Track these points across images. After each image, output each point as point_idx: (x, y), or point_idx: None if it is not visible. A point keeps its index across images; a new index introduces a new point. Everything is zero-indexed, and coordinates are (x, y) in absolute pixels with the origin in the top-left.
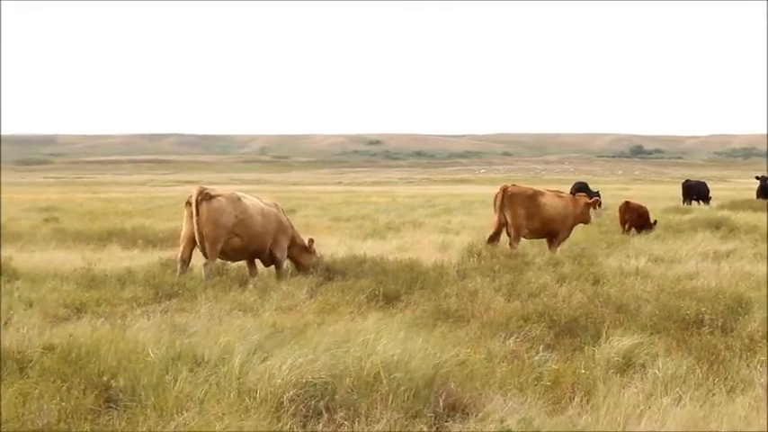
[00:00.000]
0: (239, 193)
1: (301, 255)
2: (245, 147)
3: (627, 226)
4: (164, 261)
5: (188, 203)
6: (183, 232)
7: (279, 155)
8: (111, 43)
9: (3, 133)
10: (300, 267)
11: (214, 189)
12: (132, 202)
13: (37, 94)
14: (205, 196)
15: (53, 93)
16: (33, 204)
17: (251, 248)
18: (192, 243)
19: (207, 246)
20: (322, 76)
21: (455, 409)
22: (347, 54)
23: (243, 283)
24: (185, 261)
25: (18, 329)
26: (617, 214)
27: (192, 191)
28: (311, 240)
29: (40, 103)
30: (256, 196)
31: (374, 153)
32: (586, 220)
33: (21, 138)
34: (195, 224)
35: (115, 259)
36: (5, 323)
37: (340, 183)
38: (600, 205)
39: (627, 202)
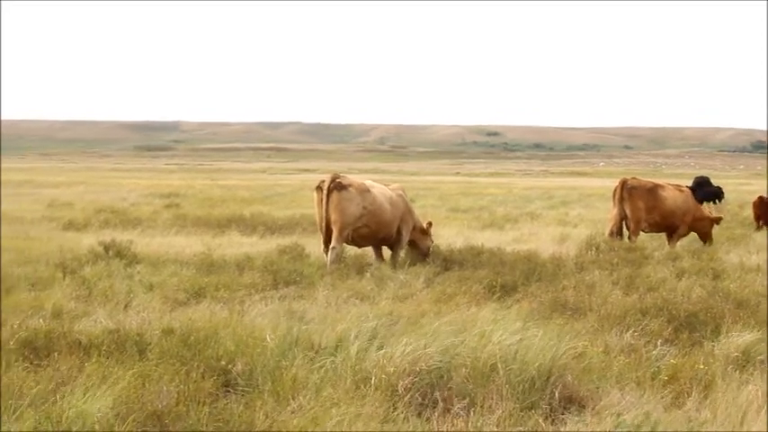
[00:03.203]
0: (368, 183)
1: (420, 238)
2: (363, 136)
3: (760, 222)
4: (282, 248)
5: (319, 188)
6: (318, 219)
7: (397, 144)
8: (236, 33)
9: (127, 120)
10: (417, 250)
11: (346, 177)
12: (251, 190)
13: (161, 82)
14: (337, 185)
15: (177, 80)
16: (155, 190)
17: (379, 236)
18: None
19: (334, 231)
20: (442, 67)
21: (571, 401)
22: (469, 44)
23: (360, 271)
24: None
25: (138, 312)
26: (737, 209)
27: (326, 176)
28: (429, 223)
29: (164, 90)
30: (384, 184)
31: (492, 144)
32: (706, 234)
33: (145, 124)
34: (324, 210)
35: (234, 245)
36: (126, 306)
37: (458, 173)
38: (721, 198)
39: (761, 198)
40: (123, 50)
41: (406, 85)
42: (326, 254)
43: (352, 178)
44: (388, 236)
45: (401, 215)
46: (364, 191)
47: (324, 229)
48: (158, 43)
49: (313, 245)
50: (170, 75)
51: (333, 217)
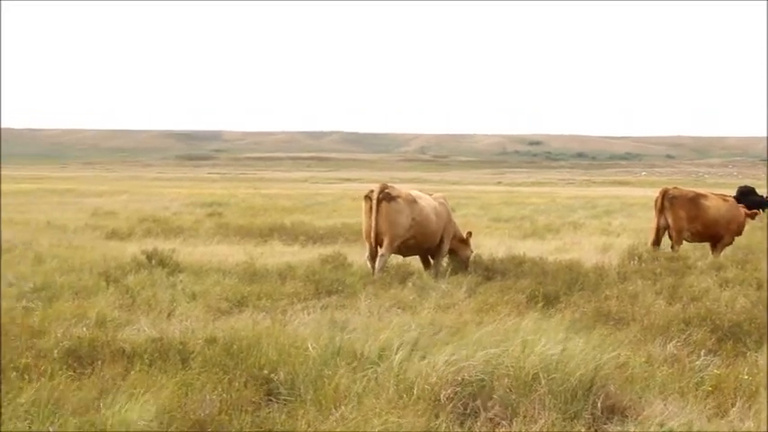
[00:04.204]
0: (415, 193)
1: (460, 247)
2: (405, 145)
3: None
4: (324, 257)
5: (367, 198)
6: (365, 229)
7: (439, 154)
8: (277, 42)
9: (170, 129)
10: (457, 258)
11: (394, 188)
12: (293, 199)
13: (203, 92)
14: (386, 195)
15: (218, 90)
16: (197, 199)
17: (424, 246)
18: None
19: (385, 242)
20: (484, 76)
21: (614, 411)
22: (511, 53)
23: (402, 281)
24: (375, 257)
25: (181, 321)
26: None
27: (374, 187)
28: (469, 233)
29: (205, 99)
30: (427, 193)
31: (534, 154)
32: (741, 232)
33: (187, 133)
34: (374, 221)
35: (276, 254)
36: (169, 315)
37: (500, 183)
38: (765, 208)
39: None
40: (168, 60)
41: (447, 95)
42: (371, 263)
43: (400, 189)
44: (432, 246)
45: (444, 225)
46: (412, 202)
47: (371, 238)
48: (201, 53)
49: (355, 254)
50: (213, 84)
51: (383, 228)
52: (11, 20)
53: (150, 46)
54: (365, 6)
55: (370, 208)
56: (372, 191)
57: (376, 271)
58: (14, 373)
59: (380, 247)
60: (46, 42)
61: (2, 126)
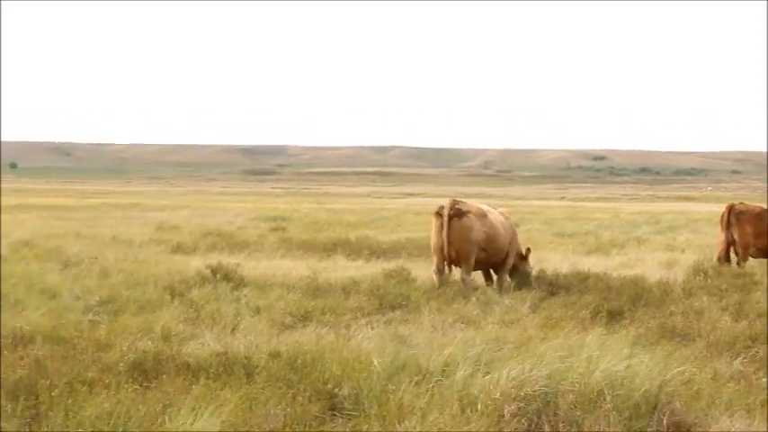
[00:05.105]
0: (484, 208)
1: (520, 262)
2: (468, 160)
3: None
4: (387, 272)
5: (438, 215)
6: (434, 244)
7: (502, 169)
8: (341, 58)
9: (233, 143)
10: (517, 274)
11: (465, 203)
12: (357, 214)
13: (267, 107)
14: (457, 212)
15: (282, 105)
16: (261, 214)
17: (492, 260)
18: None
19: (461, 261)
20: (546, 92)
21: (679, 428)
22: (574, 69)
23: (466, 296)
24: (441, 271)
25: (245, 335)
26: None
27: (444, 203)
28: (528, 249)
29: (269, 115)
30: (493, 206)
31: (598, 169)
32: None
33: (250, 148)
34: (445, 237)
35: (339, 269)
36: (233, 329)
37: (563, 198)
38: None
39: None
40: (233, 76)
41: (511, 110)
42: (437, 277)
43: (471, 203)
44: (498, 260)
45: (510, 239)
46: (482, 215)
47: (443, 254)
48: (267, 69)
49: (418, 268)
50: (277, 100)
51: (457, 245)
52: (78, 38)
53: (215, 62)
54: (430, 21)
55: (441, 225)
56: (443, 207)
57: (465, 293)
58: (81, 387)
59: (451, 263)
60: (113, 59)
61: (64, 141)
